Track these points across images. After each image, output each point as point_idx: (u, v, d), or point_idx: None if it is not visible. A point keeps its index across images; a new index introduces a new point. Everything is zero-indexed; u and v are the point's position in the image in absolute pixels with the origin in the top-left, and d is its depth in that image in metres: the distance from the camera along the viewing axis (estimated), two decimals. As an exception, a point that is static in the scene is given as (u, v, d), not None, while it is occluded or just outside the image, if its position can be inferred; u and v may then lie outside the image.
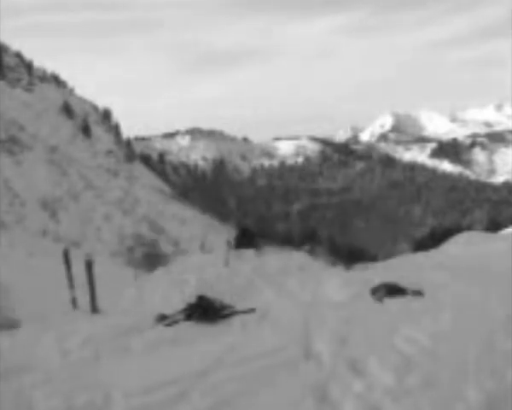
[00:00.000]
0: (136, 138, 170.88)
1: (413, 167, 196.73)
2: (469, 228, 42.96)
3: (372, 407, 3.36)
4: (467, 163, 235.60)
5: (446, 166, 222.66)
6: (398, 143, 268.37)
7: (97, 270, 8.32)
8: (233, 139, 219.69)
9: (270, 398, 3.61)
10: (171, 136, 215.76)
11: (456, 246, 15.34)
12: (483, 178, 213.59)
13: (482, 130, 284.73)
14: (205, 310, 6.07)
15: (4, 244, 25.83)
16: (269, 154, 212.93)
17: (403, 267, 10.32)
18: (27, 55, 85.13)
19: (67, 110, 71.26)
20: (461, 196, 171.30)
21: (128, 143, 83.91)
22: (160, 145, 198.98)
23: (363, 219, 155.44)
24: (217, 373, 4.08)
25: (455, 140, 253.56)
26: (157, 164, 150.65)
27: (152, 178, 75.02)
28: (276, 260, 11.70)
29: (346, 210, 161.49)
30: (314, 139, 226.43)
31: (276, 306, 6.67)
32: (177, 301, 7.39)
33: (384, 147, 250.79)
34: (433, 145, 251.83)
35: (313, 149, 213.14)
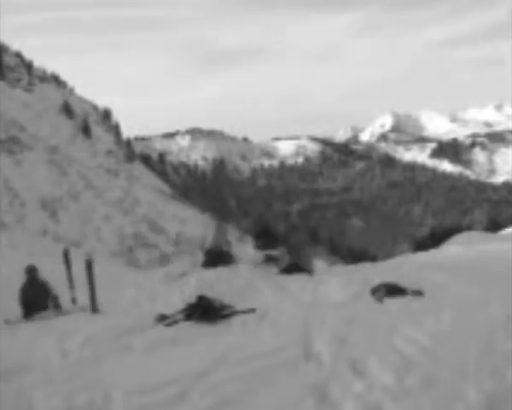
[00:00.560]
0: (136, 138, 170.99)
1: (413, 167, 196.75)
2: (469, 228, 43.01)
3: (372, 407, 3.36)
4: (467, 163, 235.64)
5: (446, 166, 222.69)
6: (398, 143, 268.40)
7: (97, 270, 8.32)
8: (233, 139, 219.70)
9: (270, 398, 3.61)
10: (171, 136, 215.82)
11: (456, 246, 15.34)
12: (483, 178, 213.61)
13: (482, 130, 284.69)
14: (205, 310, 6.07)
15: (4, 244, 25.84)
16: (269, 154, 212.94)
17: (403, 267, 10.31)
18: (27, 53, 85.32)
19: (67, 110, 71.25)
20: (461, 196, 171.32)
21: (128, 143, 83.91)
22: (160, 145, 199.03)
23: (364, 219, 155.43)
24: (217, 373, 4.08)
25: (455, 140, 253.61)
26: (157, 164, 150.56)
27: (152, 178, 75.02)
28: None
29: (346, 210, 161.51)
30: (314, 139, 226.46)
31: (276, 306, 6.66)
32: (177, 301, 7.39)
33: (384, 147, 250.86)
34: (433, 145, 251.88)
35: (313, 149, 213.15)
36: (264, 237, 10.90)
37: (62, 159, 49.92)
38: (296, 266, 9.30)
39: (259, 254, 10.55)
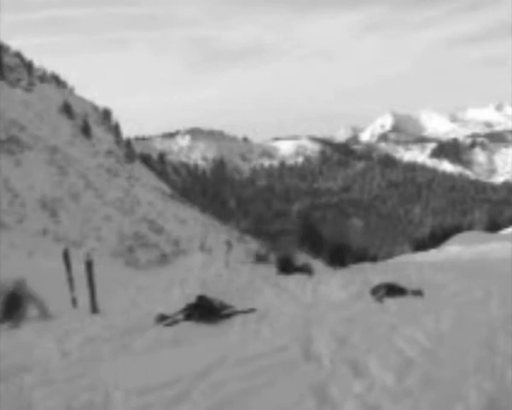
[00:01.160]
0: (136, 138, 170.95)
1: (413, 167, 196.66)
2: (469, 228, 43.01)
3: (372, 407, 3.36)
4: (467, 163, 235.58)
5: (446, 166, 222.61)
6: (398, 143, 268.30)
7: (97, 270, 8.33)
8: (233, 139, 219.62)
9: (271, 398, 3.61)
10: (171, 136, 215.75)
11: (456, 246, 15.36)
12: (483, 178, 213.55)
13: (482, 130, 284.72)
14: (205, 310, 6.07)
15: (4, 244, 25.82)
16: (269, 154, 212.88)
17: (403, 267, 10.32)
18: (25, 52, 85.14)
19: (67, 110, 71.22)
20: (461, 196, 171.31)
21: (128, 143, 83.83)
22: (160, 145, 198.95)
23: (364, 219, 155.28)
24: (217, 373, 4.08)
25: (455, 140, 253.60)
26: (157, 164, 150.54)
27: (152, 178, 74.97)
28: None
29: (346, 210, 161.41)
30: (314, 139, 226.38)
31: (276, 306, 6.67)
32: (177, 301, 7.39)
33: (384, 147, 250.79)
34: (433, 145, 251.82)
35: (313, 149, 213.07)
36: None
37: (62, 159, 49.89)
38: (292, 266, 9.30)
39: None
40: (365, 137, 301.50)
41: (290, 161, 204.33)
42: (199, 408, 3.50)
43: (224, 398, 3.62)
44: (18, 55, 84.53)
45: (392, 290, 6.71)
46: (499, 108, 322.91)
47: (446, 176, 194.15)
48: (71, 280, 8.44)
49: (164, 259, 34.61)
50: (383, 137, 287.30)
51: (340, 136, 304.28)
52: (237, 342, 5.01)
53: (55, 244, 29.84)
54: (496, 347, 4.34)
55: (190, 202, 71.94)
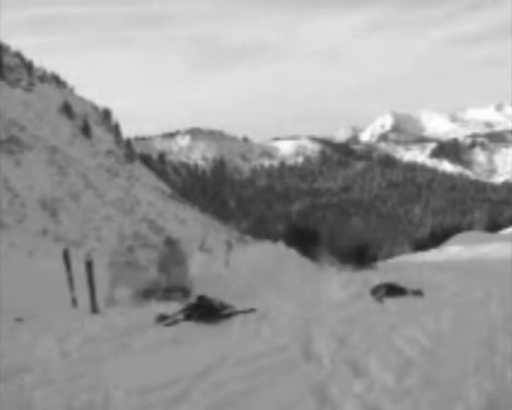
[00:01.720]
0: (136, 138, 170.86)
1: (413, 167, 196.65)
2: (469, 228, 42.97)
3: (372, 407, 3.36)
4: (467, 163, 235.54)
5: (446, 166, 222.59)
6: (398, 143, 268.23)
7: (97, 270, 8.32)
8: (233, 139, 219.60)
9: (271, 398, 3.61)
10: (171, 136, 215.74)
11: (456, 246, 15.35)
12: (483, 178, 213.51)
13: (482, 130, 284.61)
14: (205, 310, 6.07)
15: (4, 244, 25.82)
16: (269, 154, 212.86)
17: (403, 267, 10.32)
18: (27, 50, 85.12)
19: (67, 110, 71.23)
20: (461, 196, 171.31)
21: (128, 143, 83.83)
22: (160, 145, 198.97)
23: (364, 219, 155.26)
24: (217, 373, 4.08)
25: (455, 140, 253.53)
26: (157, 164, 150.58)
27: (152, 178, 74.95)
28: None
29: (346, 210, 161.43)
30: (314, 139, 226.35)
31: (276, 306, 6.67)
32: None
33: (384, 147, 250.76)
34: (433, 145, 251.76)
35: (313, 149, 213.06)
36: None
37: (62, 159, 49.88)
38: None
39: None
40: (365, 137, 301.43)
41: (290, 161, 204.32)
42: (199, 408, 3.50)
43: (224, 398, 3.62)
44: (18, 55, 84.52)
45: (392, 290, 6.71)
46: (499, 108, 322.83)
47: (446, 176, 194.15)
48: (71, 280, 8.44)
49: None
50: (383, 137, 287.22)
51: (340, 136, 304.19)
52: (237, 342, 5.01)
53: (55, 244, 29.84)
54: (496, 347, 4.34)
55: (190, 202, 71.96)
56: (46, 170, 44.95)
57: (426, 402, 3.37)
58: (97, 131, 73.68)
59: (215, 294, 6.99)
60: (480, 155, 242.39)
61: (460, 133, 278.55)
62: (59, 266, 8.88)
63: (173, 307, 6.58)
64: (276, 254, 10.30)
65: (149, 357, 4.75)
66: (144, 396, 3.71)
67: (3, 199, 35.03)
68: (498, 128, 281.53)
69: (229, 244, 13.27)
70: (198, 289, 7.98)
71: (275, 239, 12.02)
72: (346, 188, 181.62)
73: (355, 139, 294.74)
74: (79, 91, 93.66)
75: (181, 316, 6.08)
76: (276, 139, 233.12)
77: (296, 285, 8.50)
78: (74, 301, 8.39)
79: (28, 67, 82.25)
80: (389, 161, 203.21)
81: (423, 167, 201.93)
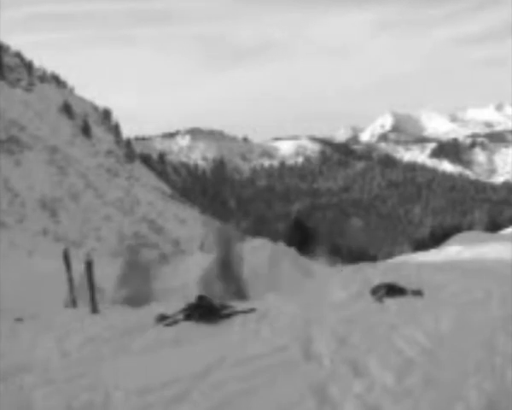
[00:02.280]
0: (136, 138, 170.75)
1: (413, 167, 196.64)
2: (469, 228, 42.92)
3: (372, 407, 3.36)
4: (467, 163, 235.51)
5: (446, 166, 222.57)
6: (398, 143, 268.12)
7: (97, 270, 8.33)
8: (233, 139, 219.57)
9: (271, 398, 3.61)
10: (171, 136, 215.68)
11: (456, 246, 15.32)
12: (483, 178, 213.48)
13: (482, 130, 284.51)
14: (205, 310, 6.07)
15: (4, 244, 25.84)
16: (269, 154, 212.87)
17: (403, 267, 10.31)
18: (27, 48, 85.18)
19: (67, 110, 71.23)
20: (461, 196, 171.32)
21: (128, 143, 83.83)
22: (160, 145, 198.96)
23: (364, 219, 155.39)
24: (217, 373, 4.08)
25: (455, 140, 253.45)
26: (157, 164, 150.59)
27: (152, 178, 74.98)
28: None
29: (346, 210, 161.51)
30: (314, 139, 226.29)
31: (276, 306, 6.66)
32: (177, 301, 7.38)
33: (384, 147, 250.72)
34: (433, 145, 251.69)
35: (313, 149, 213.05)
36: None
37: (62, 159, 49.90)
38: None
39: None
40: (365, 137, 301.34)
41: (290, 161, 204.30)
42: (199, 408, 3.50)
43: (224, 398, 3.62)
44: (18, 55, 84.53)
45: (392, 290, 6.71)
46: (499, 108, 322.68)
47: (446, 176, 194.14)
48: (71, 280, 8.45)
49: (164, 259, 34.59)
50: (383, 137, 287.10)
51: (340, 136, 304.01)
52: (237, 342, 5.01)
53: (55, 244, 29.87)
54: (496, 347, 4.33)
55: (190, 202, 72.01)
56: (46, 170, 44.97)
57: (426, 402, 3.37)
58: (97, 131, 73.70)
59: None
60: (479, 155, 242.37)
61: (460, 133, 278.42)
62: (59, 266, 8.89)
63: (173, 307, 6.58)
64: (276, 254, 10.27)
65: (149, 357, 4.75)
66: (144, 396, 3.71)
67: (3, 199, 35.05)
68: (498, 128, 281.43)
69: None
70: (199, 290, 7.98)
71: (275, 239, 12.02)
72: (345, 188, 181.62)
73: (355, 139, 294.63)
74: (79, 91, 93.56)
75: (181, 316, 6.08)
76: (276, 139, 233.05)
77: (296, 285, 8.50)
78: (74, 301, 8.40)
79: (28, 67, 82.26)
80: (389, 161, 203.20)
81: (423, 167, 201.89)
